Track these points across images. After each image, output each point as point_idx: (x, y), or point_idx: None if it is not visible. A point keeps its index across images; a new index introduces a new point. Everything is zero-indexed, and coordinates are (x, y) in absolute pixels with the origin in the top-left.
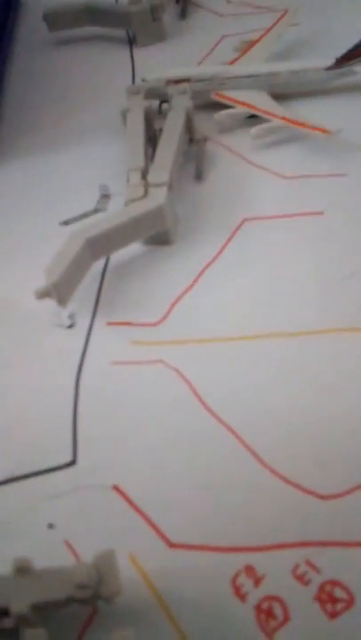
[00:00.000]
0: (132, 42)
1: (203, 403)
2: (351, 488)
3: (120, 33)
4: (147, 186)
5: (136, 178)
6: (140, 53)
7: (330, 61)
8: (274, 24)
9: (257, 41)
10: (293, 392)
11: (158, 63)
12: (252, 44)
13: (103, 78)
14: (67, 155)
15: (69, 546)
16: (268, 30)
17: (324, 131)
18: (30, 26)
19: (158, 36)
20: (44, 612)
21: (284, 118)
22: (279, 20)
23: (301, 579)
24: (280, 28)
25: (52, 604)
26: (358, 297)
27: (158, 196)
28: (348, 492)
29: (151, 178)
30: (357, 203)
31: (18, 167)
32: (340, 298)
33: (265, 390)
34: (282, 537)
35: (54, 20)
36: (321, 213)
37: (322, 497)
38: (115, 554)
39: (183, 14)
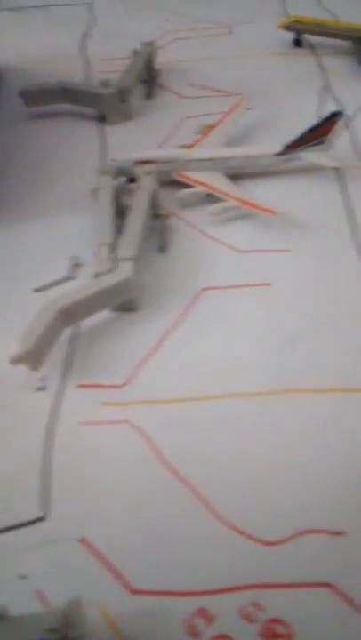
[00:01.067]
0: (102, 119)
1: (163, 460)
2: (292, 535)
3: (91, 110)
4: (115, 259)
5: (105, 252)
6: (109, 130)
7: (278, 148)
8: (230, 110)
9: (215, 125)
10: (244, 449)
11: (126, 140)
12: (210, 127)
13: (76, 152)
14: (41, 225)
15: (41, 594)
16: (226, 116)
17: (271, 212)
18: (7, 100)
19: (126, 116)
20: None
21: (237, 199)
22: (235, 107)
23: (248, 617)
24: (236, 115)
25: None
26: (302, 360)
27: (126, 270)
28: (288, 539)
29: (120, 252)
30: (300, 275)
31: None
32: (286, 361)
33: (219, 447)
34: (231, 581)
35: (30, 96)
36: (268, 284)
37: (267, 543)
38: (82, 600)
39: (149, 95)
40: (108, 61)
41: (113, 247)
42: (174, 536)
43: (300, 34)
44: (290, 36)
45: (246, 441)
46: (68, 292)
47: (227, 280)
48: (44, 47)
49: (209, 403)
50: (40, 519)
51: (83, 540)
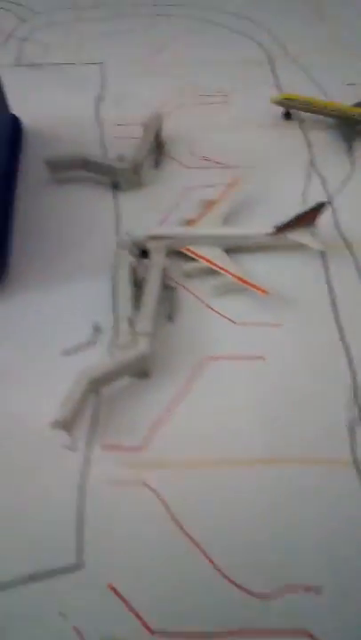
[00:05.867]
0: (115, 186)
1: (177, 522)
2: (278, 589)
3: (106, 178)
4: (134, 333)
5: (125, 325)
6: (122, 198)
7: (270, 228)
8: (228, 189)
9: (215, 202)
10: (239, 511)
11: (138, 207)
12: (211, 203)
13: (92, 218)
14: (63, 290)
15: (77, 630)
16: (224, 194)
17: (263, 291)
18: (30, 164)
19: (137, 185)
20: None
21: (234, 276)
22: (232, 185)
23: None
24: (233, 194)
25: None
26: (288, 432)
27: (144, 345)
28: (275, 593)
29: (138, 327)
30: (290, 351)
31: (24, 300)
32: (274, 432)
33: (224, 510)
34: (228, 625)
35: (54, 165)
36: (263, 358)
37: (257, 595)
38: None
39: (157, 164)
40: (120, 127)
41: (131, 321)
42: (184, 586)
43: (290, 109)
44: (281, 107)
45: (241, 504)
46: (95, 365)
47: (226, 350)
48: (60, 107)
49: (208, 468)
50: (75, 566)
51: (110, 586)
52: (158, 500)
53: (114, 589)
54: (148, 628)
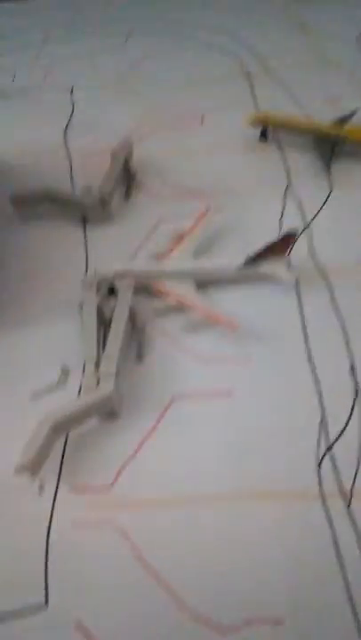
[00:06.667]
0: (85, 220)
1: (140, 557)
2: (242, 624)
3: (75, 213)
4: (99, 375)
5: (90, 367)
6: (91, 233)
7: (241, 259)
8: (198, 220)
9: (185, 235)
10: (206, 547)
11: (107, 242)
12: (181, 236)
13: (60, 254)
14: (31, 332)
15: None
16: (194, 227)
17: (231, 326)
18: None
19: (107, 218)
20: None
21: (203, 313)
22: (202, 217)
23: None
24: (203, 225)
25: None
26: (255, 467)
27: (108, 386)
28: (239, 627)
29: (102, 368)
30: (259, 386)
31: None
32: (242, 467)
33: (192, 548)
34: None
35: (18, 202)
36: (232, 394)
37: (222, 633)
38: None
39: (127, 195)
40: (90, 156)
41: (97, 362)
42: (150, 623)
43: (267, 127)
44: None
45: (207, 539)
46: (59, 408)
47: (195, 388)
48: (28, 137)
49: (176, 507)
50: (42, 605)
51: (77, 626)
52: (125, 540)
53: (81, 628)
54: None
